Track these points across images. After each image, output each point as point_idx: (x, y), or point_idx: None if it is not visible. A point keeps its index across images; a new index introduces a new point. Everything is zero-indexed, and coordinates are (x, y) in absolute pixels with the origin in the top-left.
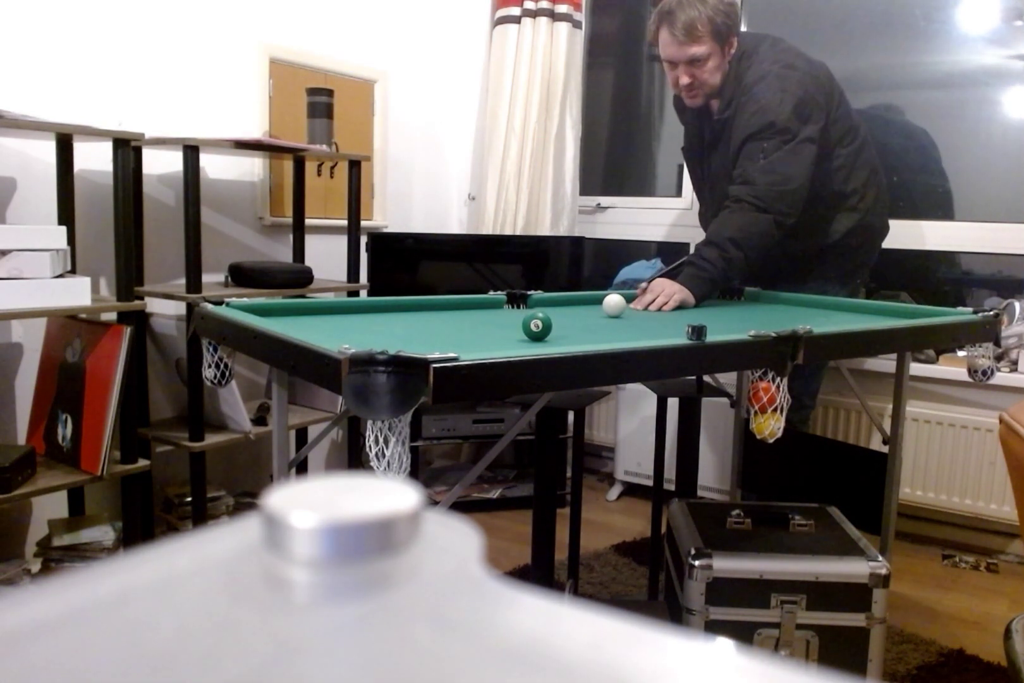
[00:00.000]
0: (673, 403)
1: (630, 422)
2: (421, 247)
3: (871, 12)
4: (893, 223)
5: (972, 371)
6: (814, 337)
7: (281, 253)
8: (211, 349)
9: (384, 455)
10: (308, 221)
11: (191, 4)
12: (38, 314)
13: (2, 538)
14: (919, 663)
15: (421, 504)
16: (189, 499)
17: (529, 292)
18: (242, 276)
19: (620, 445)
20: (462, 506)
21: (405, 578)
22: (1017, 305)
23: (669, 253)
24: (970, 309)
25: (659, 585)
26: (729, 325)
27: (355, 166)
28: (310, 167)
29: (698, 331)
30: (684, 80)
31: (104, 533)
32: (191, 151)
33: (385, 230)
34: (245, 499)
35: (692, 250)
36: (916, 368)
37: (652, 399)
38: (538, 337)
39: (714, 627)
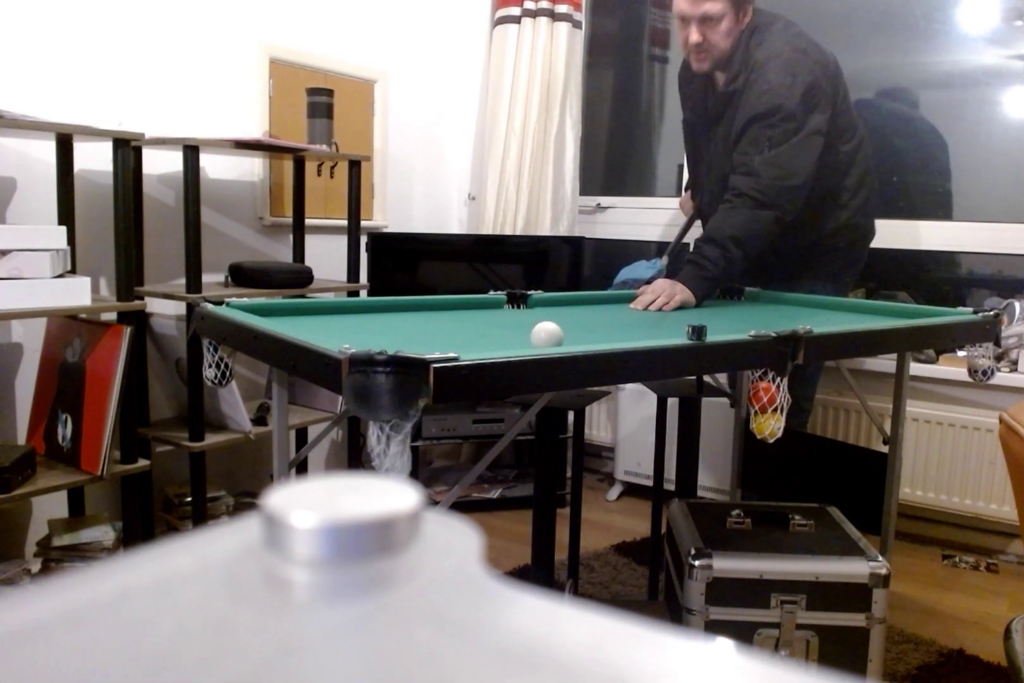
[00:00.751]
0: (673, 403)
1: (630, 422)
2: (421, 247)
3: (871, 12)
4: (894, 223)
5: (972, 371)
6: (814, 337)
7: (281, 253)
8: (211, 349)
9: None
10: (308, 221)
11: (191, 4)
12: (38, 314)
13: (2, 538)
14: (919, 663)
15: (421, 504)
16: (189, 499)
17: (529, 292)
18: (242, 276)
19: (620, 445)
20: (462, 506)
21: (405, 578)
22: (1017, 305)
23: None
24: (970, 309)
25: (659, 585)
26: (729, 325)
27: (355, 166)
28: (310, 167)
29: (698, 331)
30: (695, 38)
31: (104, 533)
32: (191, 151)
33: (385, 230)
34: (245, 499)
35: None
36: (916, 368)
37: (652, 399)
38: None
39: (714, 627)
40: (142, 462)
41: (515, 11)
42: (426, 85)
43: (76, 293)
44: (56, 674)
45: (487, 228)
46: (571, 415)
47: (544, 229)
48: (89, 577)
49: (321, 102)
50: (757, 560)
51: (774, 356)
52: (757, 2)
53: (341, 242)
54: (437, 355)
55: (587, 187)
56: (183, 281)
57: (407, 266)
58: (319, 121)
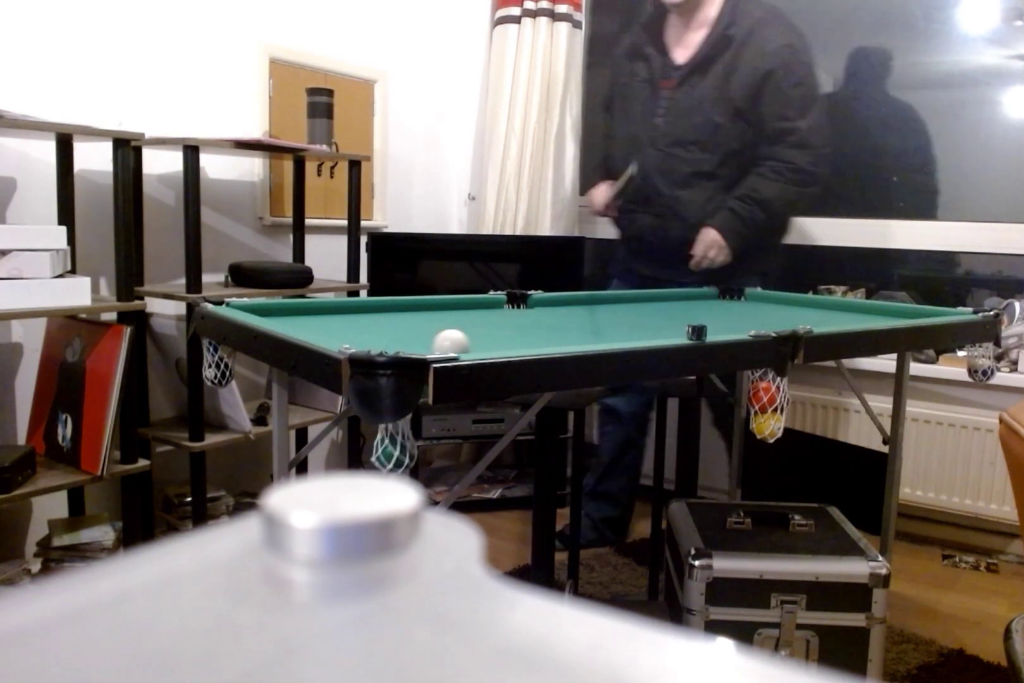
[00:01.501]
0: (673, 403)
1: None
2: (421, 247)
3: (871, 12)
4: (894, 223)
5: (972, 371)
6: (814, 337)
7: (281, 253)
8: (211, 349)
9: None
10: (308, 221)
11: (191, 4)
12: (38, 314)
13: (2, 538)
14: (919, 663)
15: (421, 504)
16: (189, 499)
17: (529, 292)
18: (242, 276)
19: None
20: (462, 506)
21: (405, 578)
22: (1017, 305)
23: None
24: (970, 309)
25: (659, 585)
26: (729, 325)
27: (355, 166)
28: (310, 167)
29: (698, 331)
30: None
31: (104, 533)
32: (191, 151)
33: (385, 230)
34: (245, 499)
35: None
36: (916, 368)
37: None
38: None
39: (714, 627)
40: (142, 462)
41: (515, 11)
42: (426, 85)
43: (76, 293)
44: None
45: (487, 228)
46: (571, 415)
47: (544, 229)
48: (89, 577)
49: (321, 102)
50: (757, 560)
51: (774, 356)
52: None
53: (341, 242)
54: (437, 355)
55: (587, 187)
56: (183, 281)
57: (407, 266)
58: (319, 121)
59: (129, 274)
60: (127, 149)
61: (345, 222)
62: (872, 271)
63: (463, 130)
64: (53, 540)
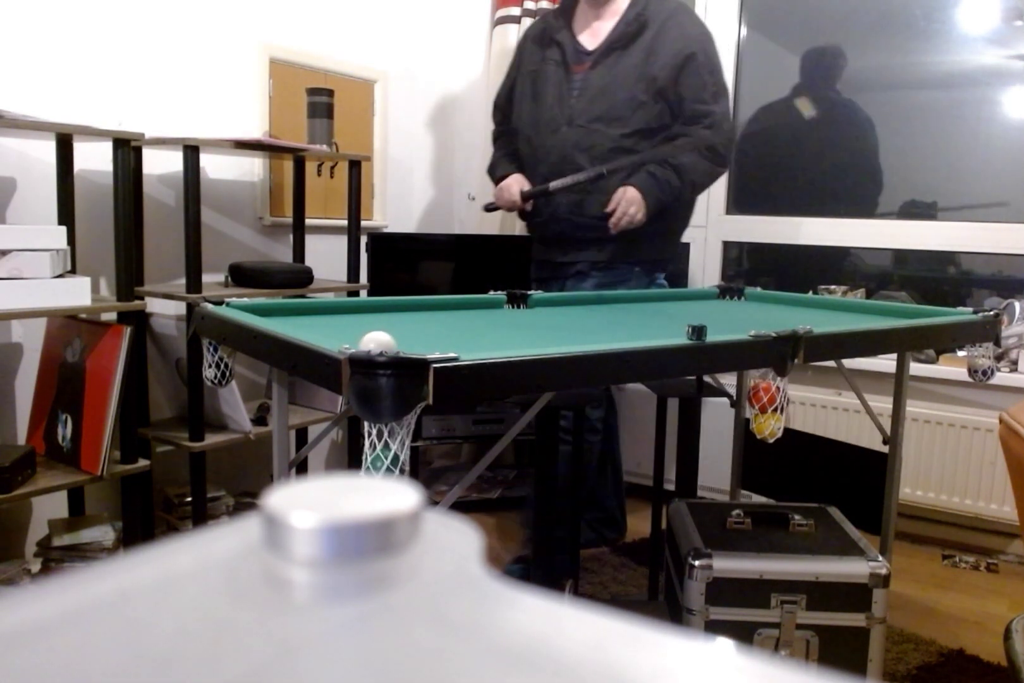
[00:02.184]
0: (673, 403)
1: (630, 422)
2: (421, 247)
3: (871, 12)
4: (897, 223)
5: (972, 371)
6: (814, 337)
7: (281, 253)
8: (211, 349)
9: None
10: (308, 221)
11: (191, 4)
12: (38, 314)
13: (2, 538)
14: (919, 663)
15: (421, 504)
16: (189, 499)
17: (529, 292)
18: (242, 276)
19: (620, 445)
20: (462, 506)
21: (405, 578)
22: (1017, 305)
23: None
24: (970, 309)
25: (659, 585)
26: (729, 325)
27: (355, 166)
28: (310, 167)
29: (698, 331)
30: None
31: (104, 533)
32: (191, 151)
33: (385, 230)
34: (245, 499)
35: (692, 253)
36: (916, 368)
37: (652, 399)
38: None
39: (714, 627)
40: (142, 462)
41: (515, 11)
42: (426, 85)
43: (76, 293)
44: (56, 674)
45: (488, 228)
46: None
47: None
48: (89, 577)
49: (321, 102)
50: (757, 560)
51: (774, 356)
52: (753, 8)
53: (341, 242)
54: (437, 355)
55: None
56: (183, 281)
57: (407, 266)
58: (319, 121)
59: (129, 274)
60: (127, 149)
61: (345, 222)
62: (872, 271)
63: (463, 130)
64: (53, 540)
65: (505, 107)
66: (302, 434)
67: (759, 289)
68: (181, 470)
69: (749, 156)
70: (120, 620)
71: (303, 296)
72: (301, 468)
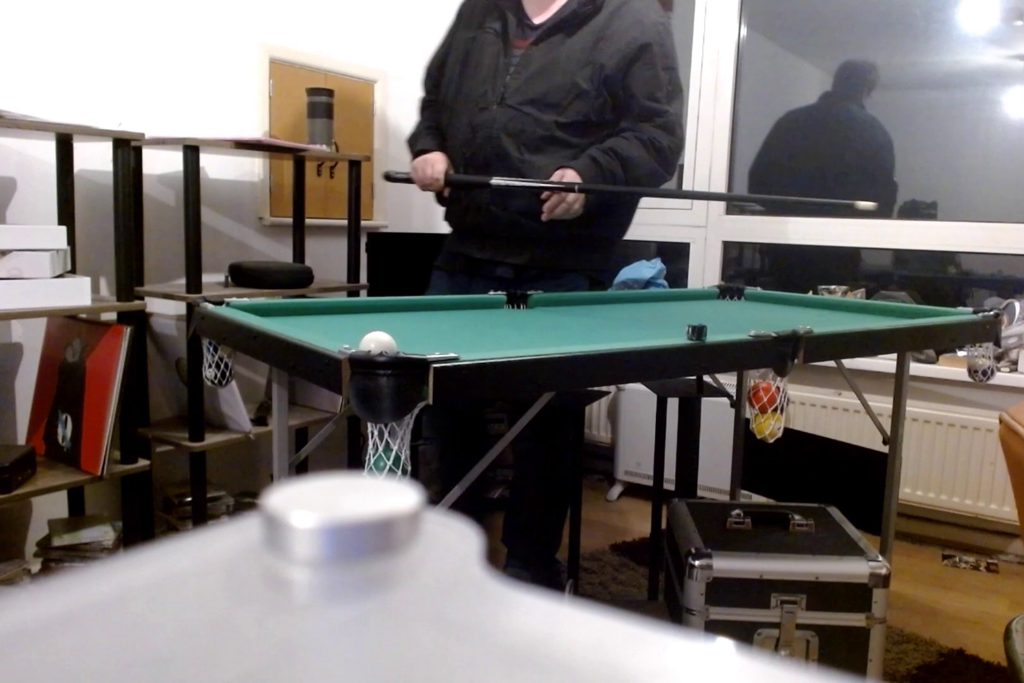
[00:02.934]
0: (673, 403)
1: (630, 422)
2: (421, 247)
3: (871, 12)
4: (897, 223)
5: (972, 371)
6: (814, 337)
7: (281, 253)
8: (211, 349)
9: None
10: (308, 221)
11: (191, 4)
12: (38, 314)
13: (2, 538)
14: (919, 663)
15: (421, 504)
16: (189, 499)
17: (529, 292)
18: (242, 276)
19: (620, 445)
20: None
21: (405, 578)
22: (1017, 305)
23: (670, 253)
24: (970, 309)
25: (659, 585)
26: (729, 325)
27: (355, 166)
28: (310, 167)
29: (698, 331)
30: None
31: (104, 533)
32: (191, 151)
33: (385, 230)
34: (245, 499)
35: (692, 253)
36: (916, 368)
37: (652, 399)
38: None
39: (714, 627)
40: (142, 462)
41: None
42: None
43: (76, 293)
44: (56, 674)
45: None
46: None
47: None
48: (89, 577)
49: (321, 102)
50: (757, 560)
51: (774, 356)
52: (753, 7)
53: (341, 242)
54: (437, 355)
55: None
56: (183, 281)
57: (407, 266)
58: (319, 121)
59: (129, 274)
60: (127, 149)
61: (345, 222)
62: (872, 271)
63: None
64: (53, 540)
65: (436, 75)
66: (302, 434)
67: (759, 289)
68: (181, 470)
69: (757, 159)
70: (120, 620)
71: (303, 296)
72: (301, 468)
